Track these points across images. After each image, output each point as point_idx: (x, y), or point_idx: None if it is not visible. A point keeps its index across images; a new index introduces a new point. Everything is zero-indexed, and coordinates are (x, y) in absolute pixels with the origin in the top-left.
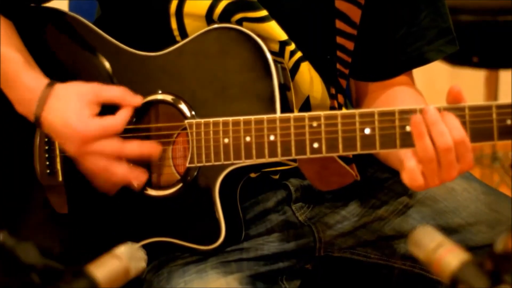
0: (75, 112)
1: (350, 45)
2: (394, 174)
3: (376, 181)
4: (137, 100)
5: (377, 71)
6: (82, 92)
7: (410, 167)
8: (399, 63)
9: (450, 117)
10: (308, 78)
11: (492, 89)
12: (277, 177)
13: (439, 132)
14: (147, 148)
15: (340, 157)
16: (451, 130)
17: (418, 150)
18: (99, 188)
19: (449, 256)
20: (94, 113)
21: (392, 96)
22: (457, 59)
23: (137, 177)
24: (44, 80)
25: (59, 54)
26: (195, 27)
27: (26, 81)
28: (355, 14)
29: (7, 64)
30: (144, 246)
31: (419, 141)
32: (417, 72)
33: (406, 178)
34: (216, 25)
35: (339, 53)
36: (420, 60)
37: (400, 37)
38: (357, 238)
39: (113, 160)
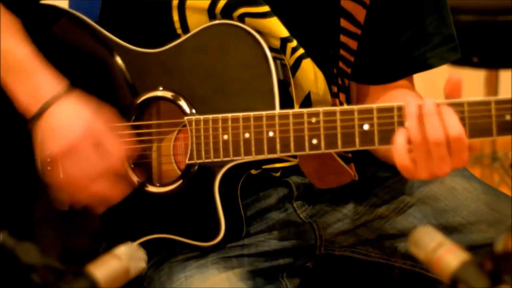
0: (89, 113)
1: (353, 44)
2: (395, 173)
3: (377, 179)
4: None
5: (379, 74)
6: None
7: (399, 142)
8: (402, 67)
9: (449, 112)
10: (310, 74)
11: (492, 89)
12: (278, 174)
13: (431, 125)
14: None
15: (339, 156)
16: (449, 127)
17: (409, 130)
18: (56, 199)
19: (449, 256)
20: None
21: (392, 99)
22: (457, 59)
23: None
24: (64, 80)
25: (59, 51)
26: (197, 21)
27: (46, 76)
28: (359, 13)
29: (19, 55)
30: (144, 243)
31: (409, 120)
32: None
33: (395, 156)
34: (216, 21)
35: (342, 52)
36: (423, 65)
37: (404, 41)
38: (357, 237)
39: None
